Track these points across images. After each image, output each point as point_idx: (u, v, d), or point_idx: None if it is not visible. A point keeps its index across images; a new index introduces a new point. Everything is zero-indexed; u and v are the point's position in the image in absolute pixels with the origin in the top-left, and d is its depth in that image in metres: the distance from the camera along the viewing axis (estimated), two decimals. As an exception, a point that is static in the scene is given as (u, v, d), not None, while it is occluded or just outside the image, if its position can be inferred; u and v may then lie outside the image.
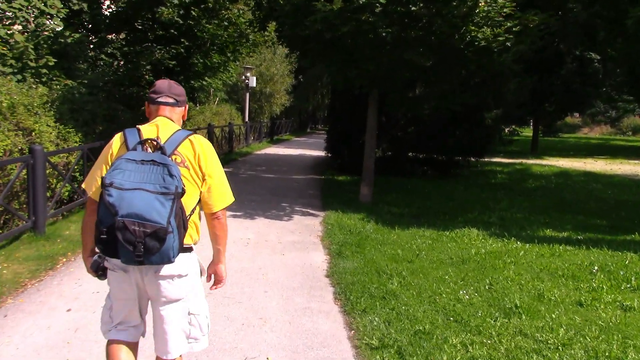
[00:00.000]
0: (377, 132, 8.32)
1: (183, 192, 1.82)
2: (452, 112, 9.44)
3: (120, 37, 11.84)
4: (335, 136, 12.23)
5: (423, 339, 3.21)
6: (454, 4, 6.40)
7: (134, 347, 2.09)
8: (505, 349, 3.10)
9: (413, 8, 6.44)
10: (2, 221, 5.22)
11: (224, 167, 2.17)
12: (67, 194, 6.42)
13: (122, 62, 11.35)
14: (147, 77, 10.76)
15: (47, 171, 5.57)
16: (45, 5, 8.33)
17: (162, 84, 2.13)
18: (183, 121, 2.22)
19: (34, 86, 6.85)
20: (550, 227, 6.69)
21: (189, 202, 1.93)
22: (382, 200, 8.17)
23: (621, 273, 4.64)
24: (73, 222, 6.04)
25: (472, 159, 12.38)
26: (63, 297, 3.76)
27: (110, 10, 11.49)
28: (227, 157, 14.18)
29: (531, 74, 16.04)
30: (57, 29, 8.68)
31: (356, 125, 10.43)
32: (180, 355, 2.06)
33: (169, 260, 1.80)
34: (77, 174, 6.61)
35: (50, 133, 6.13)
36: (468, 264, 4.88)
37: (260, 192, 8.95)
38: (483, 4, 6.58)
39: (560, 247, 5.55)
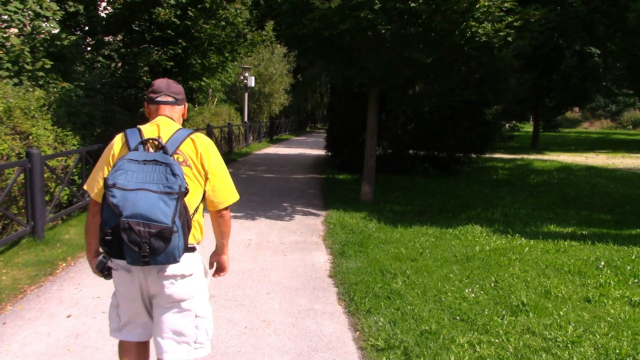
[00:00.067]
0: (377, 130, 8.26)
1: (187, 192, 1.82)
2: (453, 109, 9.38)
3: (117, 38, 11.79)
4: (335, 135, 12.17)
5: (429, 339, 3.15)
6: (454, -1, 6.34)
7: (144, 346, 2.09)
8: (513, 348, 3.05)
9: (412, 4, 6.37)
10: (0, 226, 5.17)
11: (223, 167, 2.14)
12: (66, 197, 6.37)
13: (119, 64, 11.30)
14: (144, 78, 10.71)
15: (45, 175, 5.51)
16: (41, 7, 8.28)
17: (161, 83, 2.12)
18: (183, 121, 2.20)
19: (30, 89, 6.79)
20: (554, 222, 6.64)
21: (192, 201, 1.93)
22: (383, 199, 8.12)
23: (628, 268, 4.58)
24: (73, 226, 5.99)
25: (473, 156, 12.33)
26: (63, 303, 3.71)
27: (107, 12, 11.44)
28: (227, 158, 14.13)
29: (531, 70, 15.99)
30: (53, 32, 8.62)
31: (356, 123, 10.37)
32: None
33: (175, 260, 1.80)
34: (76, 177, 6.55)
35: (48, 136, 6.08)
36: (473, 261, 4.83)
37: (260, 192, 8.89)
38: (483, -1, 6.52)
39: (565, 243, 5.49)
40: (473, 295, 3.91)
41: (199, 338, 2.01)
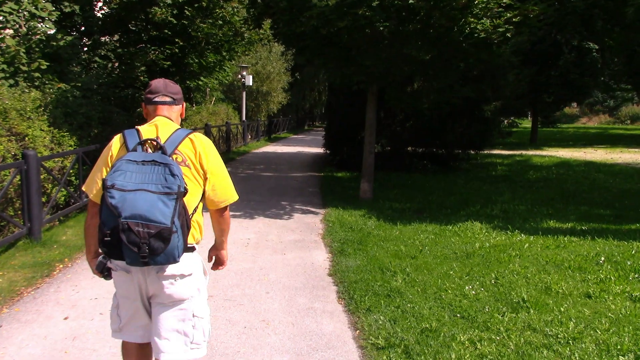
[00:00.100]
0: (375, 128, 8.23)
1: (186, 192, 1.81)
2: (451, 106, 9.36)
3: (114, 38, 11.75)
4: (334, 133, 12.14)
5: (430, 337, 3.13)
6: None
7: (147, 348, 2.08)
8: (514, 345, 3.03)
9: (411, 1, 6.33)
10: (-3, 228, 5.14)
11: (222, 166, 2.13)
12: (63, 198, 6.33)
13: (116, 64, 11.26)
14: (142, 78, 10.66)
15: (42, 176, 5.48)
16: (37, 8, 8.22)
17: (158, 83, 2.11)
18: (181, 121, 2.20)
19: (26, 90, 6.76)
20: (553, 218, 6.62)
21: (191, 201, 1.92)
22: (382, 196, 8.09)
23: (628, 263, 4.56)
24: (70, 227, 5.96)
25: (472, 152, 12.31)
26: (60, 305, 3.68)
27: (103, 12, 11.39)
28: (225, 157, 14.08)
29: (529, 65, 15.96)
30: (49, 32, 8.58)
31: (354, 121, 10.35)
32: None
33: (174, 260, 1.79)
34: (73, 178, 6.52)
35: (44, 137, 6.04)
36: (472, 258, 4.80)
37: (259, 191, 8.86)
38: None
39: (565, 239, 5.47)
40: (473, 292, 3.89)
41: (196, 338, 1.99)
